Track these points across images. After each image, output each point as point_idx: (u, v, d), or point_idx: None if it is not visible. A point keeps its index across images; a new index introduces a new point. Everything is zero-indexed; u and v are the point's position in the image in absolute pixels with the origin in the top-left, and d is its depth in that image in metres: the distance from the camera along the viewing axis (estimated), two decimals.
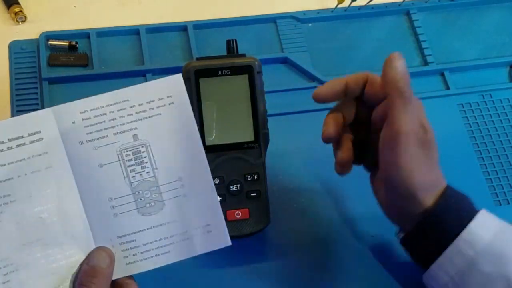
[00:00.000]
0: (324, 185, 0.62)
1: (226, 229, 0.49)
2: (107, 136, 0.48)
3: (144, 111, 0.48)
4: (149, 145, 0.49)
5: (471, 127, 0.67)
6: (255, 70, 0.56)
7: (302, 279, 0.57)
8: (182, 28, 0.71)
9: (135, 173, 0.48)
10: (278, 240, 0.59)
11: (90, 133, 0.48)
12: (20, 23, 0.70)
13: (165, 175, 0.49)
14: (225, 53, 0.59)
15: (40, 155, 0.47)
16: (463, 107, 0.69)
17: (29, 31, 0.69)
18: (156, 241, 0.49)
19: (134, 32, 0.70)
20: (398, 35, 0.73)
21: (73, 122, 0.48)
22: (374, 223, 0.59)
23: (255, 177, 0.56)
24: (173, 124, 0.49)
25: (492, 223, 0.50)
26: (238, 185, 0.55)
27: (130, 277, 0.49)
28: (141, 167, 0.49)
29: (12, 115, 0.63)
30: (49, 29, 0.69)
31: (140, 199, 0.49)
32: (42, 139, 0.47)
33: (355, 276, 0.57)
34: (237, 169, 0.55)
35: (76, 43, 0.68)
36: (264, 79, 0.57)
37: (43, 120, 0.47)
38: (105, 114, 0.48)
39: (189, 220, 0.49)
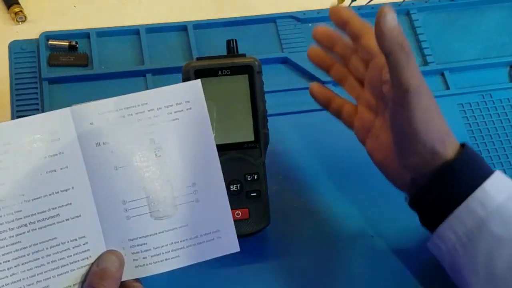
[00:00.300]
0: (324, 185, 0.62)
1: (235, 235, 0.50)
2: (124, 139, 0.48)
3: (162, 115, 0.48)
4: (165, 149, 0.48)
5: (471, 127, 0.67)
6: (255, 70, 0.56)
7: (302, 279, 0.57)
8: (182, 28, 0.71)
9: (150, 177, 0.48)
10: (278, 240, 0.59)
11: (108, 135, 0.47)
12: (20, 23, 0.70)
13: (180, 180, 0.49)
14: (225, 53, 0.59)
15: (56, 155, 0.47)
16: (463, 107, 0.69)
17: (29, 31, 0.69)
18: (167, 245, 0.49)
19: (134, 32, 0.70)
20: None
21: (91, 123, 0.47)
22: (374, 223, 0.59)
23: (255, 177, 0.56)
24: (190, 129, 0.49)
25: (507, 185, 0.49)
26: (238, 185, 0.55)
27: (137, 279, 0.49)
28: (156, 170, 0.49)
29: (12, 115, 0.63)
30: (49, 29, 0.69)
31: (153, 203, 0.49)
32: (59, 139, 0.47)
33: (355, 276, 0.57)
34: (237, 169, 0.55)
35: (76, 43, 0.68)
36: (264, 79, 0.57)
37: (61, 119, 0.47)
38: (124, 116, 0.48)
39: (200, 225, 0.49)
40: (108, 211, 0.48)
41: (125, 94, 0.48)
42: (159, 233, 0.49)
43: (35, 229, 0.46)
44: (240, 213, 0.55)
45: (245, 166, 0.55)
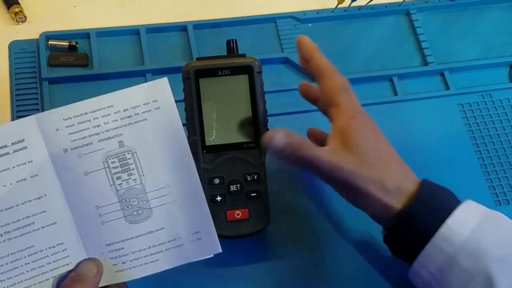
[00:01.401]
0: (324, 185, 0.62)
1: (216, 236, 0.49)
2: (91, 143, 0.47)
3: (129, 117, 0.47)
4: (135, 152, 0.48)
5: (471, 127, 0.67)
6: (255, 70, 0.56)
7: (302, 279, 0.57)
8: (182, 28, 0.71)
9: (122, 181, 0.48)
10: (278, 240, 0.59)
11: (75, 140, 0.47)
12: (20, 23, 0.70)
13: (153, 182, 0.48)
14: (225, 53, 0.59)
15: (25, 163, 0.46)
16: (463, 107, 0.69)
17: (29, 31, 0.69)
18: (145, 249, 0.48)
19: (134, 32, 0.70)
20: (398, 35, 0.73)
21: (56, 130, 0.46)
22: (374, 223, 0.59)
23: (255, 177, 0.56)
24: (159, 129, 0.47)
25: (472, 218, 0.49)
26: (238, 185, 0.55)
27: (123, 282, 0.48)
28: (128, 174, 0.48)
29: (12, 116, 0.63)
30: (49, 29, 0.69)
31: (127, 207, 0.48)
32: (26, 147, 0.46)
33: (355, 276, 0.57)
34: (237, 169, 0.55)
35: (76, 43, 0.68)
36: (264, 79, 0.57)
37: (27, 128, 0.46)
38: (89, 120, 0.47)
39: (178, 227, 0.48)
40: (83, 217, 0.47)
41: (88, 99, 0.47)
42: (135, 237, 0.48)
43: (11, 238, 0.46)
44: (240, 213, 0.55)
45: (245, 166, 0.55)
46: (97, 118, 0.47)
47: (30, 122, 0.46)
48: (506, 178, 0.64)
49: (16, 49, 0.68)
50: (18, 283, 0.46)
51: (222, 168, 0.55)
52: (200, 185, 0.48)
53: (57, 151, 0.47)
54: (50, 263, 0.47)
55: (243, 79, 0.56)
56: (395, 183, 0.50)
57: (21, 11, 0.70)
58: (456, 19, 0.76)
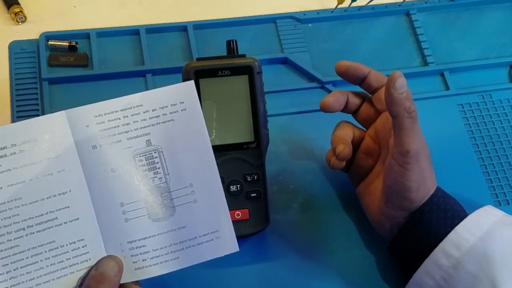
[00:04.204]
0: (324, 185, 0.62)
1: (234, 235, 0.50)
2: (120, 141, 0.48)
3: (157, 117, 0.48)
4: (162, 151, 0.48)
5: (471, 127, 0.67)
6: (255, 70, 0.56)
7: (302, 279, 0.57)
8: (182, 28, 0.71)
9: (148, 179, 0.48)
10: (278, 240, 0.59)
11: (104, 137, 0.47)
12: (20, 23, 0.70)
13: (177, 181, 0.49)
14: (225, 53, 0.59)
15: (52, 158, 0.47)
16: (463, 107, 0.69)
17: (29, 31, 0.69)
18: (166, 247, 0.49)
19: (134, 32, 0.70)
20: (398, 35, 0.74)
21: (86, 126, 0.47)
22: None
23: (255, 178, 0.56)
24: (185, 130, 0.49)
25: (479, 227, 0.50)
26: (238, 185, 0.55)
27: (136, 281, 0.49)
28: (154, 172, 0.48)
29: (12, 116, 0.63)
30: (49, 29, 0.69)
31: (151, 205, 0.49)
32: (54, 142, 0.47)
33: (355, 276, 0.57)
34: (237, 170, 0.55)
35: (76, 43, 0.68)
36: (264, 80, 0.57)
37: (57, 123, 0.47)
38: (119, 118, 0.48)
39: (198, 226, 0.49)
40: (106, 213, 0.48)
41: (120, 97, 0.48)
42: (157, 235, 0.49)
43: (33, 233, 0.46)
44: (240, 214, 0.55)
45: (245, 166, 0.55)
46: (127, 116, 0.48)
47: (60, 117, 0.47)
48: (506, 178, 0.64)
49: (16, 49, 0.68)
50: (37, 277, 0.46)
51: (222, 168, 0.55)
52: (221, 185, 0.49)
53: (86, 147, 0.47)
54: (69, 258, 0.47)
55: (243, 79, 0.56)
56: (430, 190, 0.52)
57: (21, 11, 0.70)
58: (456, 19, 0.76)
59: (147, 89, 0.66)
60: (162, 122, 0.48)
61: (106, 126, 0.48)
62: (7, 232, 0.46)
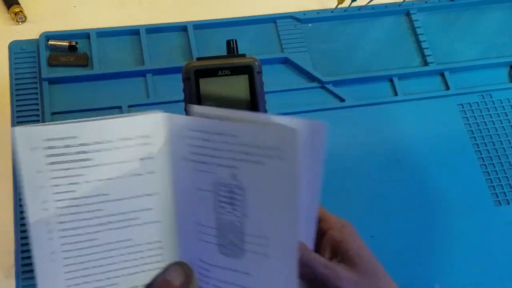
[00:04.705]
0: (324, 184, 0.62)
1: None
2: (206, 163, 0.45)
3: (248, 154, 0.44)
4: (246, 190, 0.45)
5: (471, 127, 0.67)
6: (255, 70, 0.56)
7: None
8: (182, 28, 0.71)
9: (225, 211, 0.46)
10: None
11: (193, 153, 0.46)
12: (20, 23, 0.70)
13: (253, 226, 0.46)
14: (225, 53, 0.59)
15: (144, 159, 0.46)
16: (463, 107, 0.69)
17: (29, 31, 0.69)
18: (226, 282, 0.47)
19: (134, 32, 0.70)
20: (398, 35, 0.74)
21: (182, 136, 0.46)
22: (374, 223, 0.59)
23: None
24: (275, 179, 0.44)
25: None
26: None
27: None
28: (232, 208, 0.46)
29: (12, 115, 0.63)
30: (49, 29, 0.69)
31: (222, 237, 0.47)
32: (150, 143, 0.46)
33: None
34: None
35: (76, 43, 0.68)
36: (264, 79, 0.57)
37: (155, 124, 0.46)
38: (209, 140, 0.45)
39: (262, 280, 0.47)
40: (185, 224, 0.47)
41: (216, 120, 0.45)
42: (221, 267, 0.47)
43: (113, 229, 0.46)
44: None
45: None
46: (216, 141, 0.45)
47: (160, 119, 0.46)
48: (506, 178, 0.64)
49: (16, 49, 0.68)
50: (108, 271, 0.46)
51: None
52: (297, 250, 0.45)
53: (177, 156, 0.46)
54: (143, 257, 0.47)
55: (243, 79, 0.56)
56: None
57: (21, 11, 0.70)
58: (456, 19, 0.76)
59: (147, 89, 0.66)
60: (252, 162, 0.44)
61: (197, 143, 0.45)
62: (87, 225, 0.45)
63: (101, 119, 0.45)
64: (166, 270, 0.46)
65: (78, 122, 0.45)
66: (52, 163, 0.44)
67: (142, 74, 0.67)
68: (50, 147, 0.44)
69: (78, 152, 0.45)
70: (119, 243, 0.46)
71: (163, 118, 0.46)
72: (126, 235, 0.46)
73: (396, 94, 0.69)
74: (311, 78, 0.69)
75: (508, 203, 0.63)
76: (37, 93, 0.65)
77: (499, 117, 0.68)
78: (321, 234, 0.50)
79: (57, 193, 0.45)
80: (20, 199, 0.59)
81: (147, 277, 0.47)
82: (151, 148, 0.46)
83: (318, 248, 0.50)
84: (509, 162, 0.65)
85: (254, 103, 0.56)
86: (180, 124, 0.46)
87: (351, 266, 0.49)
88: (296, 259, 0.44)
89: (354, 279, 0.48)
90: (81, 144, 0.45)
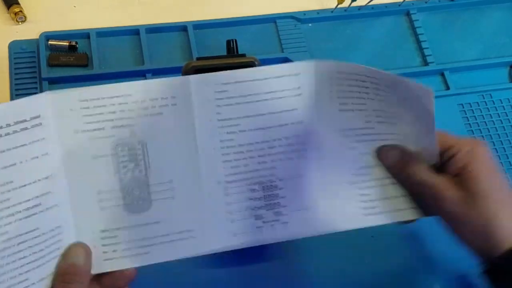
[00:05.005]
0: None
1: (212, 236, 0.48)
2: (103, 128, 0.46)
3: (145, 108, 0.47)
4: (146, 143, 0.47)
5: (471, 127, 0.67)
6: None
7: (302, 279, 0.57)
8: (182, 28, 0.71)
9: (127, 170, 0.47)
10: (277, 242, 0.58)
11: (87, 123, 0.46)
12: (20, 23, 0.70)
13: (157, 175, 0.48)
14: (225, 53, 0.59)
15: (39, 140, 0.45)
16: (463, 107, 0.69)
17: (29, 31, 0.69)
18: (137, 240, 0.48)
19: (134, 32, 0.70)
20: (398, 35, 0.74)
21: (71, 110, 0.46)
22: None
23: None
24: (172, 125, 0.47)
25: None
26: None
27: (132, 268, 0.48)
28: (134, 164, 0.47)
29: None
30: (49, 29, 0.69)
31: (128, 196, 0.47)
32: (41, 124, 0.45)
33: (355, 276, 0.57)
34: None
35: (76, 43, 0.68)
36: None
37: (42, 104, 0.45)
38: (105, 106, 0.46)
39: (173, 223, 0.48)
40: (82, 200, 0.46)
41: (107, 84, 0.47)
42: (131, 226, 0.47)
43: (21, 219, 0.45)
44: None
45: None
46: (113, 104, 0.46)
47: (45, 98, 0.45)
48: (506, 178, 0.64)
49: (16, 49, 0.68)
50: (20, 267, 0.45)
51: None
52: (201, 186, 0.48)
53: (69, 131, 0.46)
54: (48, 246, 0.46)
55: None
56: (506, 233, 0.47)
57: (21, 11, 0.70)
58: (456, 19, 0.76)
59: None
60: (150, 115, 0.47)
61: (91, 112, 0.46)
62: None
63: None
64: (66, 254, 0.46)
65: None
66: None
67: (142, 74, 0.67)
68: None
69: None
70: (27, 234, 0.45)
71: (48, 96, 0.45)
72: (33, 224, 0.45)
73: None
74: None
75: None
76: (37, 93, 0.64)
77: (499, 117, 0.68)
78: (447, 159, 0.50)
79: None
80: None
81: (52, 266, 0.46)
82: (43, 128, 0.45)
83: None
84: (509, 162, 0.65)
85: None
86: (67, 99, 0.46)
87: (463, 188, 0.48)
88: (202, 190, 0.48)
89: (460, 200, 0.47)
90: None
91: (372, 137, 0.51)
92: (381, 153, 0.51)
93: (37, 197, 0.45)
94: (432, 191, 0.48)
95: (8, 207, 0.44)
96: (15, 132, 0.44)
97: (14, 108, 0.45)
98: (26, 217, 0.45)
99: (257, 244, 0.50)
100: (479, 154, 0.49)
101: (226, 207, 0.49)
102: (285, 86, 0.49)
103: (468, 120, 0.68)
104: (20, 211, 0.45)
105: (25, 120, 0.44)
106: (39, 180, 0.45)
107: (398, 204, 0.51)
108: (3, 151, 0.44)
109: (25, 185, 0.45)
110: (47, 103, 0.45)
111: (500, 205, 0.47)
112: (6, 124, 0.44)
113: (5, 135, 0.44)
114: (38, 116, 0.45)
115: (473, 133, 0.67)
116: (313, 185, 0.50)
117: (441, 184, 0.48)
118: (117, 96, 0.46)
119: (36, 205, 0.45)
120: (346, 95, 0.50)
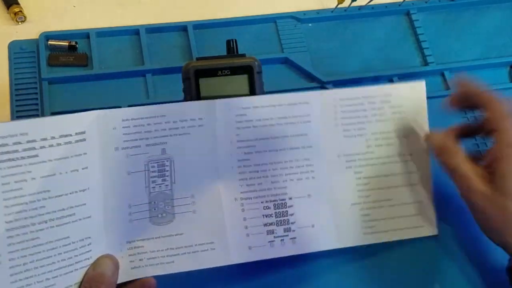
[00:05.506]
0: None
1: (229, 248, 0.52)
2: (139, 146, 0.51)
3: (176, 128, 0.51)
4: (173, 160, 0.51)
5: None
6: (255, 70, 0.56)
7: (302, 279, 0.57)
8: (182, 28, 0.71)
9: (155, 184, 0.51)
10: None
11: (126, 141, 0.50)
12: (20, 23, 0.70)
13: (180, 190, 0.51)
14: (225, 53, 0.59)
15: (81, 155, 0.48)
16: None
17: (29, 31, 0.69)
18: (162, 250, 0.51)
19: (134, 32, 0.70)
20: (398, 35, 0.73)
21: (114, 128, 0.50)
22: None
23: None
24: (198, 144, 0.52)
25: None
26: None
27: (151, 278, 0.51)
28: (162, 179, 0.51)
29: (12, 115, 0.63)
30: (49, 29, 0.69)
31: (154, 209, 0.51)
32: (85, 139, 0.48)
33: (355, 277, 0.57)
34: None
35: (76, 43, 0.68)
36: (264, 79, 0.57)
37: (88, 121, 0.49)
38: (143, 125, 0.50)
39: (195, 235, 0.52)
40: (114, 214, 0.50)
41: (147, 105, 0.51)
42: (156, 238, 0.51)
43: (53, 227, 0.47)
44: None
45: None
46: (150, 124, 0.51)
47: (91, 116, 0.49)
48: None
49: (16, 49, 0.68)
50: (48, 272, 0.47)
51: None
52: (220, 201, 0.52)
53: (109, 148, 0.50)
54: (77, 255, 0.48)
55: (243, 79, 0.56)
56: None
57: (20, 11, 0.70)
58: (456, 19, 0.76)
59: (146, 89, 0.66)
60: (179, 134, 0.51)
61: (130, 130, 0.50)
62: (31, 223, 0.46)
63: (35, 119, 0.48)
64: (95, 264, 0.48)
65: (24, 120, 0.48)
66: (1, 161, 0.46)
67: (142, 74, 0.67)
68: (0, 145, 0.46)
69: (25, 149, 0.46)
70: (58, 242, 0.47)
71: (94, 114, 0.49)
72: (64, 232, 0.48)
73: None
74: (311, 78, 0.69)
75: None
76: (36, 93, 0.65)
77: None
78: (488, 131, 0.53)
79: (4, 192, 0.46)
80: None
81: (79, 275, 0.48)
82: (86, 143, 0.49)
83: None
84: None
85: None
86: (112, 117, 0.50)
87: (494, 182, 0.50)
88: (221, 206, 0.52)
89: (485, 194, 0.50)
90: (29, 141, 0.47)
91: (373, 161, 0.56)
92: (428, 137, 0.55)
93: (72, 207, 0.48)
94: (462, 180, 0.51)
95: (42, 214, 0.47)
96: (58, 144, 0.47)
97: (62, 122, 0.48)
98: (58, 225, 0.47)
99: (269, 257, 0.54)
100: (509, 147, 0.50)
101: (242, 222, 0.53)
102: (296, 113, 0.54)
103: (469, 120, 0.68)
104: (53, 219, 0.47)
105: (70, 135, 0.48)
106: (76, 192, 0.48)
107: (396, 224, 0.56)
108: (45, 161, 0.47)
109: (61, 195, 0.47)
110: (93, 120, 0.49)
111: None
112: (51, 137, 0.47)
113: (49, 146, 0.47)
114: (83, 132, 0.48)
115: None
116: (319, 204, 0.54)
117: (472, 174, 0.51)
118: (154, 117, 0.51)
119: (70, 215, 0.48)
120: (349, 122, 0.56)
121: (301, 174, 0.54)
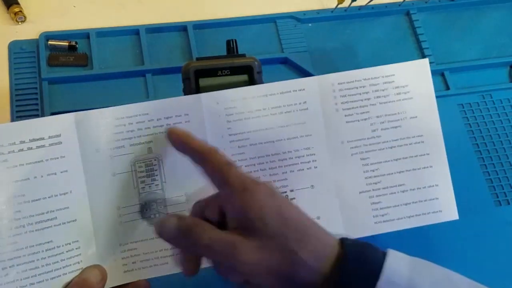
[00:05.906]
0: None
1: None
2: (123, 146, 0.49)
3: (161, 126, 0.49)
4: (162, 159, 0.50)
5: (471, 127, 0.67)
6: (255, 70, 0.56)
7: None
8: (182, 28, 0.71)
9: (145, 184, 0.49)
10: None
11: (108, 142, 0.49)
12: (20, 23, 0.70)
13: (172, 189, 0.50)
14: (225, 53, 0.59)
15: (57, 158, 0.47)
16: (463, 107, 0.68)
17: (29, 31, 0.69)
18: (156, 251, 0.49)
19: (134, 32, 0.70)
20: (398, 35, 0.73)
21: (93, 130, 0.48)
22: None
23: None
24: None
25: (401, 271, 0.43)
26: None
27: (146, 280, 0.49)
28: (151, 179, 0.50)
29: (12, 115, 0.63)
30: (49, 29, 0.69)
31: (146, 210, 0.50)
32: (61, 142, 0.47)
33: None
34: None
35: (76, 43, 0.68)
36: (264, 79, 0.57)
37: (64, 124, 0.48)
38: (124, 125, 0.49)
39: None
40: (102, 216, 0.48)
41: (127, 104, 0.49)
42: (149, 239, 0.49)
43: (32, 231, 0.46)
44: None
45: None
46: (131, 123, 0.49)
47: (68, 118, 0.48)
48: (506, 178, 0.64)
49: (16, 49, 0.68)
50: (31, 277, 0.46)
51: None
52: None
53: (90, 150, 0.48)
54: (64, 259, 0.47)
55: (243, 79, 0.56)
56: (314, 254, 0.42)
57: (20, 11, 0.70)
58: (456, 19, 0.76)
59: (146, 89, 0.66)
60: (165, 132, 0.49)
61: (112, 131, 0.49)
62: (7, 228, 0.45)
63: (9, 124, 0.48)
64: (82, 272, 0.47)
65: None
66: None
67: (141, 74, 0.67)
68: None
69: None
70: (40, 246, 0.46)
71: (71, 116, 0.48)
72: (46, 237, 0.47)
73: None
74: None
75: (508, 203, 0.63)
76: (36, 93, 0.65)
77: (499, 117, 0.68)
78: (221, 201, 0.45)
79: None
80: None
81: (69, 279, 0.47)
82: (63, 146, 0.48)
83: (222, 223, 0.45)
84: (509, 162, 0.65)
85: None
86: (90, 118, 0.49)
87: (253, 233, 0.42)
88: None
89: (254, 246, 0.42)
90: None
91: (380, 146, 0.53)
92: (157, 228, 0.45)
93: (53, 211, 0.47)
94: (227, 247, 0.42)
95: (18, 219, 0.46)
96: (29, 148, 0.46)
97: (32, 126, 0.47)
98: (38, 230, 0.46)
99: None
100: (253, 195, 0.43)
101: None
102: (291, 101, 0.52)
103: (468, 120, 0.68)
104: (31, 223, 0.46)
105: (43, 138, 0.47)
106: (55, 195, 0.47)
107: (408, 211, 0.53)
108: (16, 166, 0.46)
109: (38, 199, 0.47)
110: (70, 122, 0.48)
111: (296, 241, 0.42)
112: (20, 141, 0.46)
113: (19, 151, 0.46)
114: (58, 135, 0.47)
115: (473, 133, 0.67)
116: (324, 194, 0.52)
117: (233, 237, 0.43)
118: (134, 116, 0.49)
119: (50, 219, 0.47)
120: (350, 106, 0.53)
121: (302, 165, 0.52)
